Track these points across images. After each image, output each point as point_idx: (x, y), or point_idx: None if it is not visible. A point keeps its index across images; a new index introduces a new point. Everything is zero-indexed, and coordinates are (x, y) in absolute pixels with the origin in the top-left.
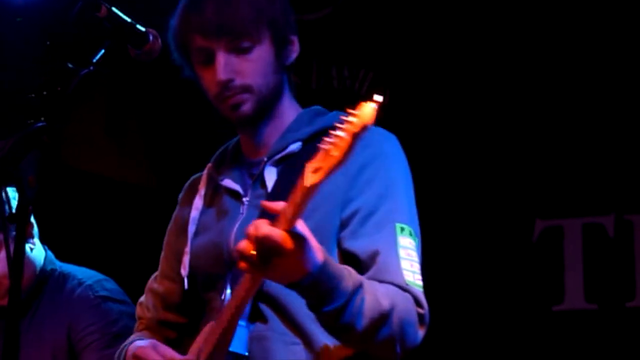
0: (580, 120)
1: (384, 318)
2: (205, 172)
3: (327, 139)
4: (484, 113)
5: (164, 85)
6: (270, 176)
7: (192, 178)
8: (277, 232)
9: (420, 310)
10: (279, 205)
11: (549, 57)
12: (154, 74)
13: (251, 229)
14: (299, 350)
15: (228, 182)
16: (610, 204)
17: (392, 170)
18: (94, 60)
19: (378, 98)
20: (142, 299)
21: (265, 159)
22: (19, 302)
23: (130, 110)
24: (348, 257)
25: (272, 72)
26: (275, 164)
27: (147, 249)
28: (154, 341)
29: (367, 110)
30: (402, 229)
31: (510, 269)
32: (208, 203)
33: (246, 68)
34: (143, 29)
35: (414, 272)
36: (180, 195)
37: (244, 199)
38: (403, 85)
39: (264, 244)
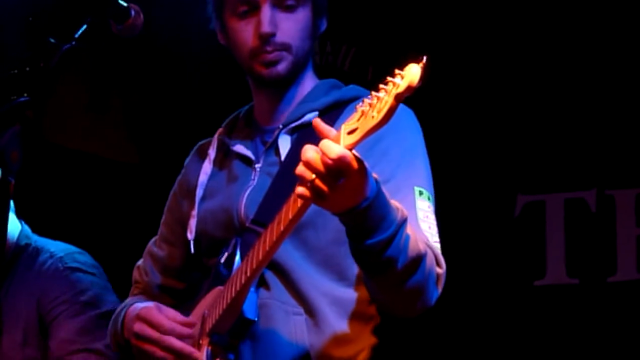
0: (561, 96)
1: (419, 261)
2: (215, 136)
3: (366, 100)
4: (466, 89)
5: (147, 62)
6: (285, 144)
7: (199, 143)
8: (348, 152)
9: (439, 270)
10: (332, 130)
11: (532, 35)
12: (137, 50)
13: (312, 154)
14: (300, 321)
15: (239, 148)
16: (592, 178)
17: (409, 140)
18: (76, 36)
19: (424, 59)
20: (139, 262)
21: (281, 126)
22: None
23: (112, 86)
24: None
25: (308, 37)
26: (290, 133)
27: (130, 224)
28: (157, 303)
29: (414, 70)
30: (421, 192)
31: (492, 244)
32: (218, 168)
33: (289, 26)
34: (125, 4)
35: (432, 234)
36: (187, 160)
37: (256, 165)
38: (385, 60)
39: (335, 166)
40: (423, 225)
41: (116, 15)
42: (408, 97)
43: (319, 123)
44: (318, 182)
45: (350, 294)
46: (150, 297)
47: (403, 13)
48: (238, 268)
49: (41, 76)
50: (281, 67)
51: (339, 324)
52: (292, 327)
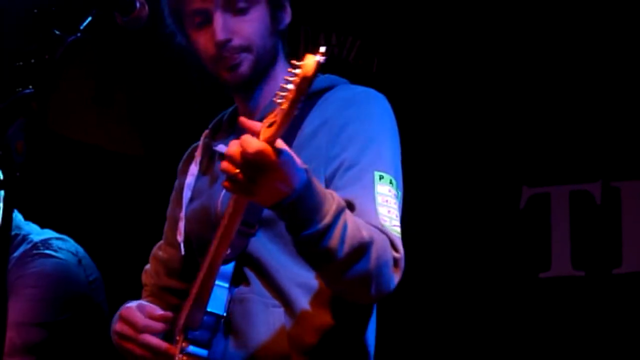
0: (567, 88)
1: (363, 249)
2: (201, 139)
3: (279, 92)
4: (472, 81)
5: (152, 53)
6: None
7: (191, 147)
8: (266, 146)
9: (396, 254)
10: (256, 124)
11: (537, 28)
12: (142, 42)
13: (234, 148)
14: (279, 312)
15: (221, 147)
16: (598, 170)
17: (375, 125)
18: (81, 27)
19: (321, 49)
20: (147, 266)
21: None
22: (5, 268)
23: (117, 78)
24: None
25: (268, 35)
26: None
27: (134, 216)
28: (140, 302)
29: (309, 62)
30: (381, 177)
31: (497, 236)
32: (203, 169)
33: (243, 28)
34: None
35: (390, 218)
36: (180, 164)
37: None
38: (391, 52)
39: (254, 159)
40: (381, 210)
41: (121, 7)
42: (418, 88)
43: (244, 120)
44: (240, 175)
45: (314, 279)
46: (157, 298)
47: (408, 5)
48: (202, 263)
49: (46, 68)
50: (243, 69)
51: (317, 314)
52: (271, 320)
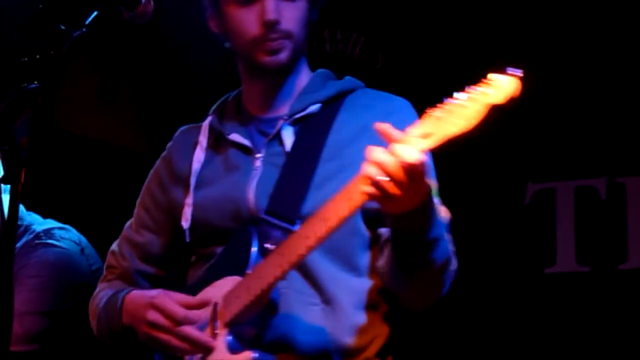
0: (572, 83)
1: (450, 259)
2: (206, 123)
3: (440, 105)
4: (476, 77)
5: (157, 49)
6: (288, 135)
7: (182, 128)
8: (425, 158)
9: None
10: (400, 135)
11: (541, 22)
12: (148, 37)
13: (386, 156)
14: (317, 310)
15: (236, 137)
16: (603, 166)
17: None
18: (87, 23)
19: (518, 73)
20: (114, 247)
21: (286, 117)
22: (11, 260)
23: (123, 74)
24: (378, 214)
25: (306, 26)
26: (292, 124)
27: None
28: (161, 290)
29: (508, 82)
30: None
31: (502, 232)
32: (211, 155)
33: (291, 14)
34: None
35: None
36: (171, 145)
37: (257, 155)
38: (395, 49)
39: (413, 171)
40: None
41: (127, 2)
42: (423, 84)
43: (383, 127)
44: (390, 184)
45: (361, 284)
46: (129, 282)
47: (412, 1)
48: (267, 260)
49: (51, 63)
50: (283, 56)
51: (355, 313)
52: (309, 317)
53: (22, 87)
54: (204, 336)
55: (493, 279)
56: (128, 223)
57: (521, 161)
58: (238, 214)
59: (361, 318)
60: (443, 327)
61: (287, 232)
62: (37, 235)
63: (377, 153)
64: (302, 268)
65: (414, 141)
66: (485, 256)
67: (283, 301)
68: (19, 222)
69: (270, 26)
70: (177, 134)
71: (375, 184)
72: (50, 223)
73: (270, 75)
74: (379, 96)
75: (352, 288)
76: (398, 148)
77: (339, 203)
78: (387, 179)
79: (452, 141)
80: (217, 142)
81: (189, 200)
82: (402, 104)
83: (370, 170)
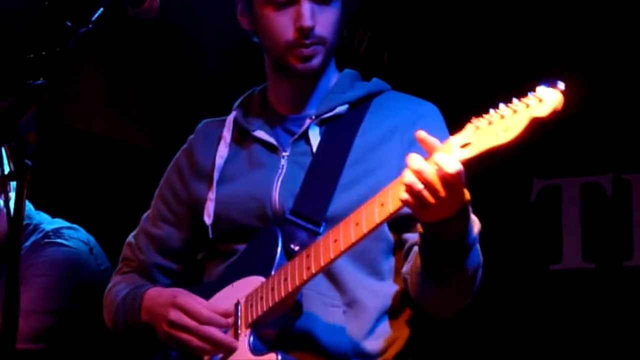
0: (576, 80)
1: (479, 270)
2: (230, 118)
3: (485, 115)
4: (482, 72)
5: (163, 45)
6: (315, 135)
7: (204, 121)
8: (462, 169)
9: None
10: (438, 143)
11: (547, 18)
12: (153, 33)
13: (425, 165)
14: (338, 312)
15: (261, 134)
16: (608, 163)
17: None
18: (93, 19)
19: (561, 86)
20: (131, 239)
21: (313, 117)
22: (18, 258)
23: (128, 70)
24: (408, 219)
25: (339, 31)
26: (319, 124)
27: (145, 208)
28: (181, 289)
29: (555, 96)
30: None
31: (508, 229)
32: (235, 151)
33: (326, 19)
34: None
35: None
36: (192, 138)
37: (283, 154)
38: (401, 45)
39: (452, 181)
40: None
41: None
42: (428, 81)
43: (424, 136)
44: (426, 193)
45: (384, 288)
46: (145, 276)
47: None
48: (293, 262)
49: (57, 60)
50: (316, 62)
51: (377, 317)
52: (330, 319)
53: (28, 83)
54: (227, 337)
55: (499, 276)
56: (145, 215)
57: (527, 157)
58: (262, 212)
59: (383, 322)
60: (448, 322)
61: (312, 234)
62: (46, 235)
63: (417, 161)
64: (326, 270)
65: (454, 151)
66: (491, 253)
67: (305, 302)
68: (28, 221)
69: (305, 32)
70: (199, 126)
71: (413, 192)
72: (59, 222)
73: (300, 77)
74: (406, 100)
75: (375, 292)
76: (438, 157)
77: (372, 208)
78: (423, 187)
79: (493, 153)
80: (241, 137)
81: (212, 195)
82: (430, 109)
83: (409, 177)
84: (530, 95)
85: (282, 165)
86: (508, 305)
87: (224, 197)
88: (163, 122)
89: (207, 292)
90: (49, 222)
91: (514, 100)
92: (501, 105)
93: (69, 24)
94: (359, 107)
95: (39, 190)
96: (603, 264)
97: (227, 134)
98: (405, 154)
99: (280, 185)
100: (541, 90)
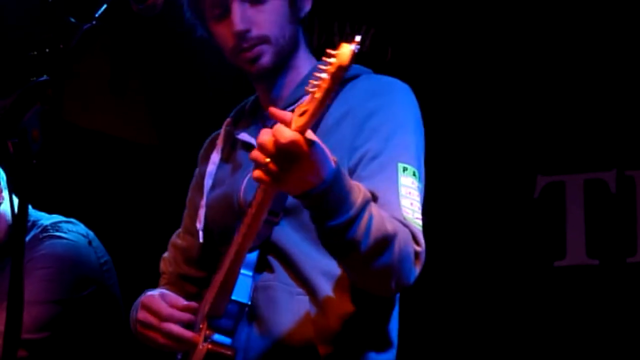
0: (581, 76)
1: (387, 242)
2: (223, 127)
3: (312, 81)
4: (486, 69)
5: (167, 42)
6: None
7: (212, 135)
8: (298, 135)
9: (417, 248)
10: (286, 114)
11: (552, 15)
12: (157, 30)
13: (266, 137)
14: (304, 300)
15: (243, 136)
16: (612, 159)
17: (400, 116)
18: (96, 15)
19: (356, 38)
20: (165, 254)
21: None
22: (21, 257)
23: (133, 67)
24: None
25: (287, 23)
26: None
27: (149, 205)
28: (163, 290)
29: (344, 50)
30: (405, 169)
31: (512, 225)
32: (225, 158)
33: (262, 18)
34: None
35: (413, 210)
36: (200, 152)
37: None
38: (405, 41)
39: (287, 149)
40: (404, 202)
41: None
42: (432, 77)
43: (274, 110)
44: (272, 165)
45: (336, 267)
46: (175, 286)
47: None
48: (229, 251)
49: (61, 57)
50: (264, 60)
51: (341, 302)
52: (296, 308)
53: (31, 80)
54: (186, 332)
55: (503, 273)
56: (177, 231)
57: (531, 154)
58: (232, 209)
59: (348, 305)
60: (452, 319)
61: (270, 224)
62: (44, 229)
63: (261, 135)
64: (287, 260)
65: (295, 119)
66: (495, 249)
67: (270, 294)
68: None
69: (240, 36)
70: (207, 140)
71: (259, 165)
72: (58, 217)
73: (264, 77)
74: (373, 79)
75: (337, 276)
76: (275, 128)
77: (257, 190)
78: (268, 159)
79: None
80: (232, 144)
81: (203, 202)
82: (391, 86)
83: (253, 153)
84: (330, 52)
85: None
86: (512, 301)
87: (211, 201)
88: (167, 119)
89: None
90: (47, 218)
91: (325, 59)
92: (321, 66)
93: (73, 20)
94: None
95: (43, 187)
96: (607, 260)
97: (219, 142)
98: (357, 134)
99: (247, 180)
100: (339, 46)
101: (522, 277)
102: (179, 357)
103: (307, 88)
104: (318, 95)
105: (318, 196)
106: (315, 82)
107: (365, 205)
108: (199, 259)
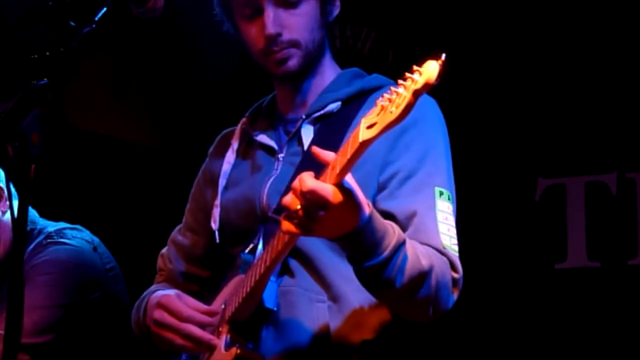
0: (582, 79)
1: (422, 278)
2: (239, 126)
3: (385, 95)
4: (487, 72)
5: (168, 44)
6: (307, 134)
7: (223, 132)
8: (323, 186)
9: (455, 275)
10: (329, 155)
11: (553, 19)
12: (158, 33)
13: (296, 183)
14: (323, 308)
15: (263, 138)
16: (613, 162)
17: (433, 134)
18: (97, 19)
19: (442, 56)
20: (163, 250)
21: (304, 116)
22: (22, 258)
23: (133, 69)
24: (384, 217)
25: (317, 28)
26: (313, 122)
27: (150, 207)
28: (177, 291)
29: (431, 67)
30: (441, 193)
31: (513, 228)
32: (241, 157)
33: (294, 22)
34: None
35: (450, 237)
36: (211, 149)
37: (279, 155)
38: (406, 44)
39: (309, 199)
40: (442, 228)
41: None
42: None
43: (317, 151)
44: (300, 212)
45: None
46: (174, 284)
47: None
48: (259, 257)
49: (61, 60)
50: (292, 64)
51: (362, 309)
52: (315, 314)
53: (31, 83)
54: (206, 334)
55: (504, 275)
56: (177, 227)
57: (532, 157)
58: (253, 213)
59: (368, 313)
60: (453, 322)
61: None
62: (48, 235)
63: (295, 181)
64: (310, 265)
65: (362, 131)
66: (496, 252)
67: (290, 299)
68: (32, 226)
69: (271, 40)
70: (218, 137)
71: (287, 213)
72: (62, 225)
73: (287, 81)
74: None
75: (359, 285)
76: (301, 176)
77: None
78: (298, 207)
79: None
80: (248, 144)
81: (217, 201)
82: (422, 101)
83: (286, 198)
84: (416, 69)
85: (277, 167)
86: (513, 304)
87: (227, 202)
88: (168, 120)
89: (214, 297)
90: (52, 225)
91: (407, 74)
92: (400, 82)
93: (73, 24)
94: (353, 103)
95: (44, 191)
96: (608, 262)
97: (234, 141)
98: (390, 149)
99: (270, 185)
100: (425, 63)
101: (523, 279)
102: (184, 357)
103: (378, 101)
104: (395, 110)
105: (351, 241)
106: (389, 96)
107: (399, 246)
108: (204, 258)
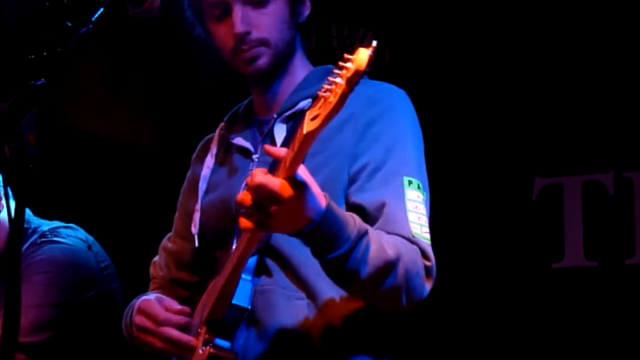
0: (579, 77)
1: (389, 267)
2: (217, 131)
3: (325, 86)
4: (484, 71)
5: (165, 44)
6: (280, 133)
7: (205, 138)
8: (272, 180)
9: (427, 263)
10: (280, 151)
11: (550, 18)
12: (155, 32)
13: (248, 179)
14: (302, 305)
15: (239, 140)
16: (610, 161)
17: (400, 124)
18: (93, 19)
19: (373, 43)
20: (155, 258)
21: (275, 115)
22: (18, 263)
23: (130, 69)
24: (355, 210)
25: (287, 28)
26: (285, 121)
27: (147, 208)
28: (158, 295)
29: (361, 55)
30: (410, 182)
31: (510, 227)
32: (219, 161)
33: (262, 21)
34: None
35: (421, 225)
36: (194, 155)
37: (254, 156)
38: (402, 43)
39: (260, 193)
40: (411, 217)
41: None
42: (430, 80)
43: (269, 148)
44: (252, 208)
45: None
46: (166, 290)
47: None
48: (229, 256)
49: (58, 60)
50: (262, 62)
51: (341, 305)
52: (295, 312)
53: (28, 84)
54: (184, 336)
55: (501, 274)
56: (167, 235)
57: (529, 156)
58: (229, 215)
59: (348, 309)
60: (450, 321)
61: None
62: (43, 234)
63: (246, 177)
64: (286, 264)
65: (307, 124)
66: (493, 251)
67: (268, 297)
68: (26, 225)
69: (240, 38)
70: (200, 143)
71: (241, 209)
72: (57, 223)
73: (258, 80)
74: (370, 85)
75: None
76: (253, 171)
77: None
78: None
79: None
80: (226, 148)
81: (197, 206)
82: (389, 93)
83: (239, 195)
84: (347, 57)
85: (252, 167)
86: (510, 303)
87: (206, 205)
88: (166, 120)
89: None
90: (46, 224)
91: (341, 63)
92: (336, 71)
93: (70, 24)
94: None
95: (41, 191)
96: (605, 262)
97: (213, 146)
98: (358, 141)
99: (244, 186)
100: (356, 51)
101: (520, 279)
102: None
103: (319, 92)
104: (332, 99)
105: (310, 234)
106: (328, 87)
107: (360, 237)
108: (192, 263)
